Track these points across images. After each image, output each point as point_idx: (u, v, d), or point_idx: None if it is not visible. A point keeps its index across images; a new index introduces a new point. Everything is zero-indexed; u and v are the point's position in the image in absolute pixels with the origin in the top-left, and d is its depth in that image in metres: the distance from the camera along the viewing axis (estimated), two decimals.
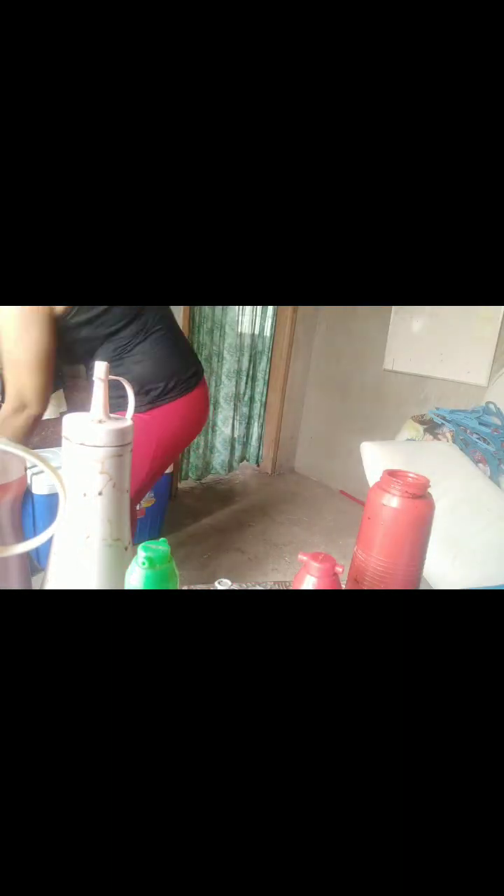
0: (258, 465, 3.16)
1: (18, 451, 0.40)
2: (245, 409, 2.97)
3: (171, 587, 0.43)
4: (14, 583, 0.53)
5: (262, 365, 2.95)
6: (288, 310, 2.82)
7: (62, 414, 2.19)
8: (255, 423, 3.07)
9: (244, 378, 2.88)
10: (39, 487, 2.00)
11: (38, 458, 0.40)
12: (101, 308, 0.86)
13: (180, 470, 2.66)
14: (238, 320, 2.68)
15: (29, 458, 0.41)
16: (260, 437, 3.11)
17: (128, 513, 0.52)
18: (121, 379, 0.56)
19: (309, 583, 0.47)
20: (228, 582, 0.66)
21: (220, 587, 0.64)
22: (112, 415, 0.51)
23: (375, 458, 1.73)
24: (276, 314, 2.87)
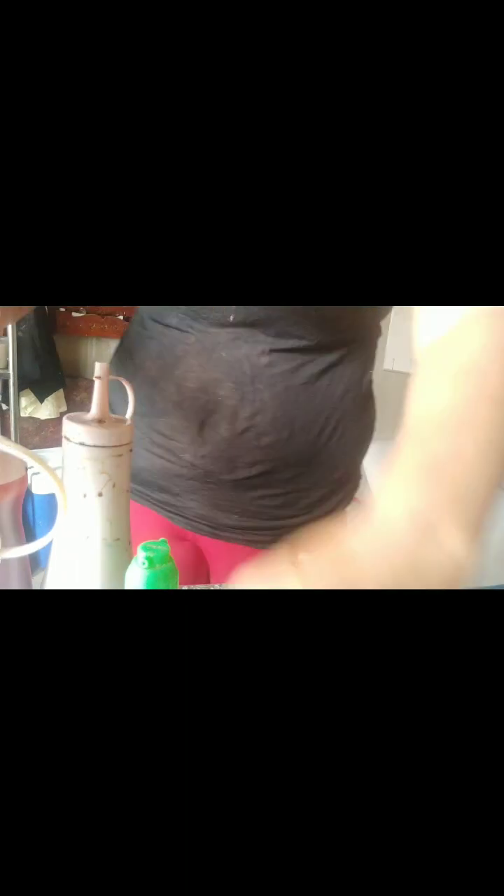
0: None
1: (18, 451, 0.40)
2: None
3: (171, 587, 0.43)
4: (14, 583, 0.53)
5: None
6: None
7: (62, 414, 2.19)
8: None
9: None
10: (39, 487, 2.00)
11: (37, 461, 0.40)
12: None
13: None
14: None
15: (28, 459, 0.41)
16: None
17: (128, 513, 0.52)
18: (120, 379, 0.56)
19: None
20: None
21: (219, 586, 0.64)
22: (112, 415, 0.51)
23: (375, 458, 1.72)
24: None
